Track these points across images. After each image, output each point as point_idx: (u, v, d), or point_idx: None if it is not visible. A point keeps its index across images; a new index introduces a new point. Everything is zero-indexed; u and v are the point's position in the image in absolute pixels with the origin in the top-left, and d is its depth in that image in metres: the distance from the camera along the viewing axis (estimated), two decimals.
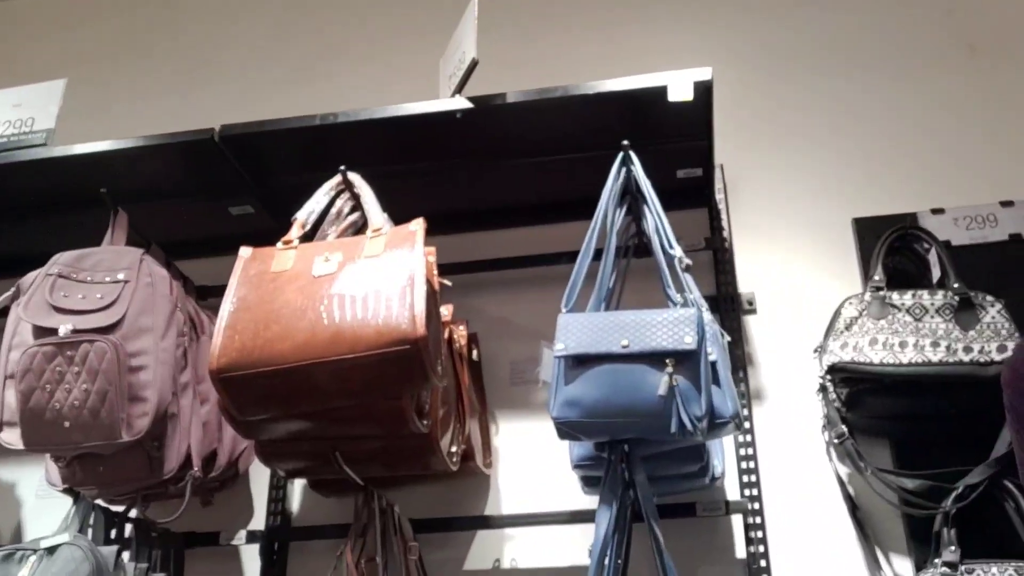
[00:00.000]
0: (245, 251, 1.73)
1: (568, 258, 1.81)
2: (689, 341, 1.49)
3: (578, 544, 1.91)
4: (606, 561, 1.56)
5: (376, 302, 1.52)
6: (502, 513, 2.04)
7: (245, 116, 2.06)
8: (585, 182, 1.87)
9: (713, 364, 1.55)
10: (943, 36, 2.38)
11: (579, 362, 1.54)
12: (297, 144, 2.07)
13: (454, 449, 1.82)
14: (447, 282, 1.78)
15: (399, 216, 1.76)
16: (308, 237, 1.79)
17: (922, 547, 1.80)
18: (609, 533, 1.54)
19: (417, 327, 1.49)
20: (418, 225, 1.68)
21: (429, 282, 1.60)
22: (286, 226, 1.79)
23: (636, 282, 1.96)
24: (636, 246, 1.99)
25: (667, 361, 1.49)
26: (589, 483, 1.80)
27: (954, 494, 1.73)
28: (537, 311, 2.16)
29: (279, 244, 1.73)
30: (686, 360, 1.49)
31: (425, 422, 1.63)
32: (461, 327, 2.00)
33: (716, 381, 1.55)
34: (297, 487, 2.17)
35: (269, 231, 1.86)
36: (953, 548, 1.68)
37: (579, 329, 1.55)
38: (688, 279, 1.69)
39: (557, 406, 1.53)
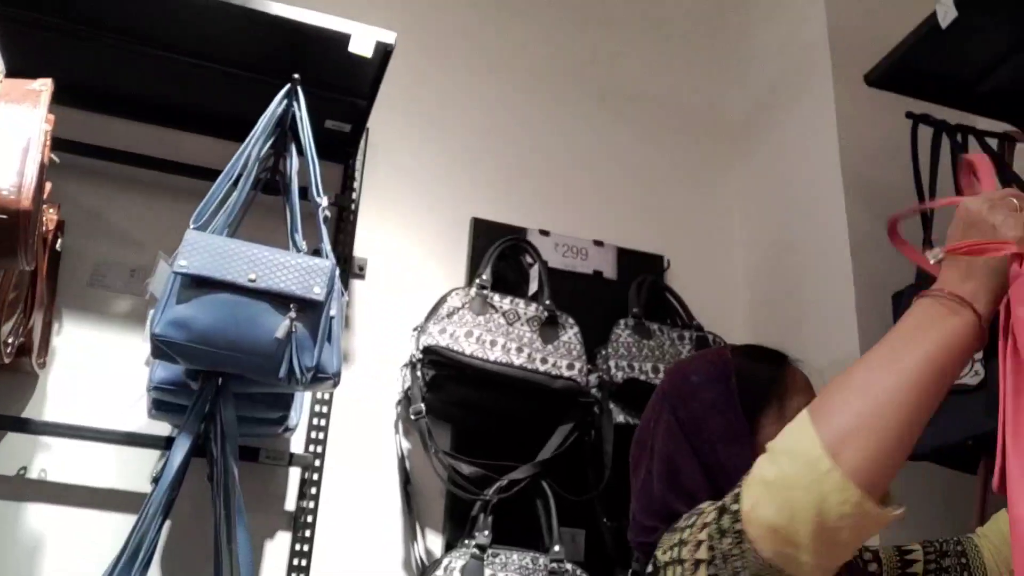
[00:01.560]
0: None
1: (200, 173, 1.70)
2: (318, 292, 1.49)
3: (123, 467, 1.81)
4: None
5: None
6: (44, 419, 1.85)
7: None
8: (240, 104, 1.78)
9: (331, 319, 1.55)
10: (582, 82, 2.60)
11: (198, 284, 1.46)
12: None
13: (11, 340, 1.63)
14: (55, 158, 1.59)
15: (16, 73, 1.56)
16: None
17: (457, 528, 1.95)
18: (182, 463, 1.47)
19: (23, 198, 1.34)
20: (45, 86, 1.50)
21: (42, 153, 1.42)
22: None
23: (252, 218, 1.88)
24: (267, 182, 1.92)
25: (291, 305, 1.47)
26: (161, 408, 1.69)
27: (498, 485, 1.90)
28: (141, 218, 2.02)
29: None
30: (309, 309, 1.49)
31: None
32: (52, 210, 1.79)
33: (328, 337, 1.55)
34: None
35: None
36: (487, 533, 1.83)
37: (207, 250, 1.47)
38: (324, 231, 1.67)
39: (163, 323, 1.43)
